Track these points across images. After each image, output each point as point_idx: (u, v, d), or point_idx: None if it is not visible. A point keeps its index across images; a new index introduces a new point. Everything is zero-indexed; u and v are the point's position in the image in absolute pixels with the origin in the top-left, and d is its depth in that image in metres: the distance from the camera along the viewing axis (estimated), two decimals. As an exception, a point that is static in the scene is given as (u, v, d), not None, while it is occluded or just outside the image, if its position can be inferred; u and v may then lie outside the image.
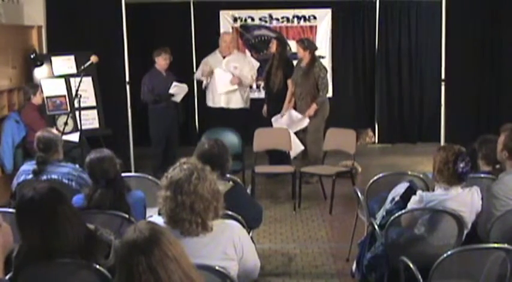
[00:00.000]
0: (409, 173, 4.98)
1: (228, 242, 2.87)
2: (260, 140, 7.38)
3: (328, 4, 10.04)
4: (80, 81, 6.56)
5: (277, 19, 10.07)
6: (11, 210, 3.68)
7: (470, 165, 3.88)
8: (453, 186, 3.87)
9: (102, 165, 3.95)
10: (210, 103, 8.29)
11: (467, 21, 8.37)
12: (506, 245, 3.31)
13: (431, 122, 9.73)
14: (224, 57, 8.18)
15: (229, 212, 3.43)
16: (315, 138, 7.66)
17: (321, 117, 7.72)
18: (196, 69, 8.66)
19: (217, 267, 2.79)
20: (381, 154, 9.68)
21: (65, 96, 7.83)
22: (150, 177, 4.99)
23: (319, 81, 7.62)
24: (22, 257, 2.81)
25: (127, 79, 8.12)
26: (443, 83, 8.38)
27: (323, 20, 10.07)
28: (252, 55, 9.91)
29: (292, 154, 7.68)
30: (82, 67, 6.85)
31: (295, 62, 8.04)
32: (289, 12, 10.04)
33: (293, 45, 8.42)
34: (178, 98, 7.99)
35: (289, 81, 7.90)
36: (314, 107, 7.62)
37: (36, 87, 7.44)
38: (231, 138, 7.30)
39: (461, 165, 3.80)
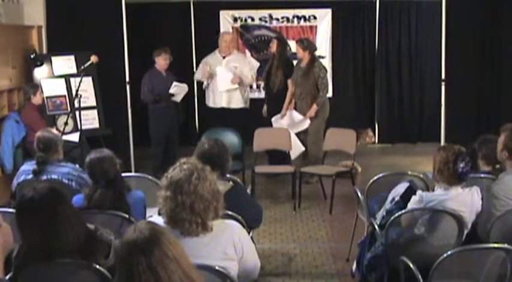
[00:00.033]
0: (409, 173, 4.97)
1: (228, 242, 2.87)
2: (260, 140, 7.38)
3: (328, 4, 10.04)
4: (80, 81, 6.56)
5: (277, 19, 10.07)
6: (11, 210, 3.68)
7: (470, 165, 3.88)
8: (453, 186, 3.87)
9: (102, 165, 3.95)
10: (210, 103, 8.28)
11: (467, 21, 8.37)
12: (506, 245, 3.31)
13: (432, 122, 9.73)
14: (224, 57, 8.18)
15: (229, 212, 3.43)
16: (315, 139, 7.66)
17: (321, 117, 7.72)
18: (196, 69, 8.65)
19: (217, 267, 2.79)
20: (381, 154, 9.68)
21: (65, 96, 7.83)
22: (150, 177, 4.99)
23: (319, 81, 7.62)
24: (22, 257, 2.81)
25: (127, 79, 8.12)
26: (443, 83, 8.38)
27: (323, 20, 10.07)
28: (252, 55, 9.92)
29: (293, 155, 7.69)
30: (82, 67, 6.85)
31: (295, 62, 8.04)
32: (289, 12, 10.04)
33: (293, 45, 8.41)
34: (178, 98, 7.99)
35: (289, 81, 7.90)
36: (315, 108, 7.62)
37: (36, 87, 7.44)
38: (231, 138, 7.29)
39: (461, 165, 3.80)
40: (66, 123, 6.95)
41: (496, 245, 3.44)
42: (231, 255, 2.88)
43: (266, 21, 10.07)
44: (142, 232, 2.12)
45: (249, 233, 3.50)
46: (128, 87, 8.13)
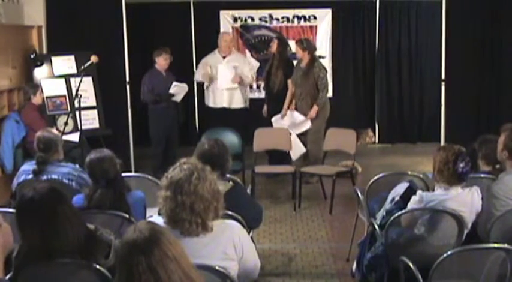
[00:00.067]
0: (409, 173, 4.98)
1: (228, 242, 2.87)
2: (260, 140, 7.38)
3: (328, 4, 10.04)
4: (80, 81, 6.56)
5: (277, 19, 10.07)
6: (11, 210, 3.68)
7: (470, 165, 3.88)
8: (453, 186, 3.87)
9: (102, 165, 3.95)
10: (211, 104, 8.28)
11: (467, 21, 8.37)
12: (506, 245, 3.31)
13: (432, 122, 9.73)
14: (224, 57, 8.19)
15: (229, 212, 3.43)
16: (315, 138, 7.66)
17: (321, 117, 7.72)
18: (196, 69, 8.65)
19: (217, 267, 2.79)
20: (381, 154, 9.68)
21: (65, 96, 7.83)
22: (150, 177, 4.99)
23: (318, 81, 7.62)
24: (22, 257, 2.81)
25: (127, 79, 8.12)
26: (443, 83, 8.39)
27: (323, 20, 10.07)
28: (252, 55, 9.93)
29: (294, 156, 7.70)
30: (82, 67, 6.85)
31: (295, 62, 8.04)
32: (289, 12, 10.04)
33: (293, 46, 8.41)
34: (178, 98, 7.99)
35: (289, 81, 7.90)
36: (315, 108, 7.61)
37: (36, 87, 7.44)
38: (231, 138, 7.29)
39: (462, 165, 3.80)
40: (66, 123, 6.96)
41: (496, 245, 3.44)
42: (231, 255, 2.87)
43: (266, 21, 10.07)
44: (143, 232, 2.12)
45: (249, 233, 3.50)
46: (128, 87, 8.13)
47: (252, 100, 8.71)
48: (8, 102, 7.41)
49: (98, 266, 2.83)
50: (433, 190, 4.05)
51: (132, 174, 5.97)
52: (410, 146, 10.15)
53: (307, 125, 7.69)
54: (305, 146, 7.74)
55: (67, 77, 7.75)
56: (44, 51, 8.13)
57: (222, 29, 9.70)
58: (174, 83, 7.87)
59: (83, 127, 6.68)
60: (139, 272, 2.05)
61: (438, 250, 3.60)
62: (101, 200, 3.87)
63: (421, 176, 4.80)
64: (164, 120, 7.92)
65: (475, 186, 3.97)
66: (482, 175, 4.53)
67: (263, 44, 9.96)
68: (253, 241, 3.37)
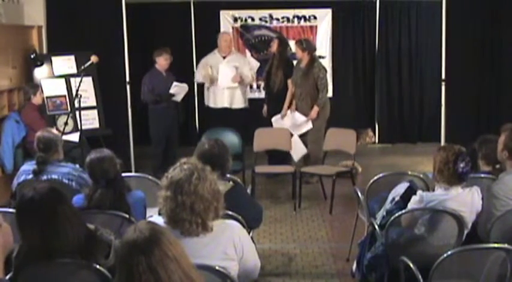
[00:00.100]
0: (409, 173, 4.98)
1: (228, 242, 2.87)
2: (260, 140, 7.38)
3: (329, 4, 10.04)
4: (80, 81, 6.57)
5: (278, 19, 10.07)
6: (11, 210, 3.68)
7: (471, 165, 3.88)
8: (453, 186, 3.87)
9: (102, 165, 3.95)
10: (211, 104, 8.28)
11: (468, 21, 8.37)
12: (506, 245, 3.31)
13: (432, 122, 9.73)
14: (224, 57, 8.19)
15: (230, 212, 3.43)
16: (315, 138, 7.65)
17: (322, 117, 7.72)
18: (196, 69, 8.64)
19: (217, 267, 2.79)
20: (381, 154, 9.68)
21: (65, 96, 7.83)
22: (150, 177, 4.99)
23: (318, 81, 7.62)
24: (22, 257, 2.81)
25: (127, 79, 8.12)
26: (443, 83, 8.39)
27: (323, 20, 10.07)
28: (252, 55, 9.93)
29: (296, 157, 7.71)
30: (82, 67, 6.85)
31: (295, 62, 8.04)
32: (290, 12, 10.04)
33: (293, 46, 8.41)
34: (178, 98, 7.99)
35: (289, 81, 7.90)
36: (316, 109, 7.61)
37: (36, 87, 7.44)
38: (231, 138, 7.29)
39: (462, 165, 3.80)
40: (66, 123, 6.96)
41: (496, 245, 3.44)
42: (231, 255, 2.87)
43: (266, 21, 10.07)
44: (143, 232, 2.12)
45: (249, 233, 3.50)
46: (128, 87, 8.13)
47: (252, 100, 8.70)
48: (8, 102, 7.41)
49: (98, 266, 2.83)
50: (433, 190, 4.05)
51: (132, 174, 5.97)
52: (410, 146, 10.15)
53: (309, 125, 7.69)
54: (305, 146, 7.74)
55: (67, 77, 7.75)
56: (44, 51, 8.13)
57: (222, 29, 9.70)
58: (174, 83, 7.87)
59: (83, 127, 6.69)
60: (139, 272, 2.05)
61: (438, 250, 3.60)
62: (101, 200, 3.87)
63: (421, 176, 4.80)
64: (164, 120, 7.92)
65: (475, 186, 3.97)
66: (482, 175, 4.53)
67: (263, 44, 9.96)
68: (253, 241, 3.37)
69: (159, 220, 2.87)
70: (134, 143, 8.26)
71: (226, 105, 8.15)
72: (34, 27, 8.06)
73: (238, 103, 8.22)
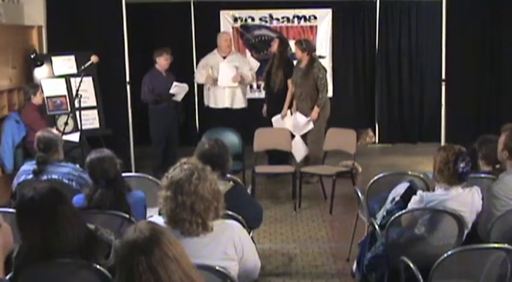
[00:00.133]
0: (410, 173, 4.98)
1: (228, 242, 2.87)
2: (260, 140, 7.38)
3: (329, 4, 10.04)
4: (81, 81, 6.56)
5: (278, 19, 10.07)
6: (11, 210, 3.68)
7: (471, 165, 3.88)
8: (453, 186, 3.87)
9: (102, 165, 3.95)
10: (211, 104, 8.27)
11: (468, 21, 8.37)
12: (506, 245, 3.31)
13: (432, 122, 9.73)
14: (224, 58, 8.19)
15: (230, 212, 3.43)
16: (316, 138, 7.65)
17: (322, 117, 7.72)
18: (196, 68, 8.63)
19: (217, 267, 2.79)
20: (381, 154, 9.68)
21: (65, 96, 7.83)
22: (150, 177, 4.99)
23: (318, 81, 7.61)
24: (22, 257, 2.81)
25: (127, 79, 8.12)
26: (443, 83, 8.39)
27: (323, 20, 10.07)
28: (252, 55, 9.93)
29: (299, 158, 7.71)
30: (82, 67, 6.84)
31: (295, 62, 8.03)
32: (290, 12, 10.04)
33: (293, 46, 8.40)
34: (179, 98, 8.00)
35: (289, 81, 7.89)
36: (316, 110, 7.61)
37: (36, 87, 7.44)
38: (231, 138, 7.29)
39: (462, 165, 3.80)
40: (66, 123, 6.95)
41: (496, 245, 3.44)
42: (231, 255, 2.87)
43: (266, 21, 10.06)
44: (143, 232, 2.12)
45: (249, 233, 3.50)
46: (128, 87, 8.13)
47: (252, 100, 8.70)
48: (8, 102, 7.41)
49: (98, 266, 2.83)
50: (434, 190, 4.05)
51: (133, 174, 5.97)
52: (410, 146, 10.15)
53: (310, 126, 7.69)
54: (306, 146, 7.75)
55: (67, 77, 7.75)
56: (44, 51, 8.13)
57: (222, 29, 9.70)
58: (175, 83, 7.87)
59: (83, 127, 6.68)
60: (139, 272, 2.05)
61: (438, 250, 3.60)
62: (101, 200, 3.87)
63: (422, 176, 4.80)
64: (164, 120, 7.92)
65: (475, 186, 3.97)
66: (482, 175, 4.53)
67: (263, 44, 9.96)
68: (253, 241, 3.37)
69: (159, 220, 2.87)
70: (134, 143, 8.26)
71: (227, 105, 8.15)
72: (34, 27, 8.06)
73: (239, 103, 8.22)
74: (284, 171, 7.39)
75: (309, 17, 10.06)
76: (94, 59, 6.93)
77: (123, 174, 4.18)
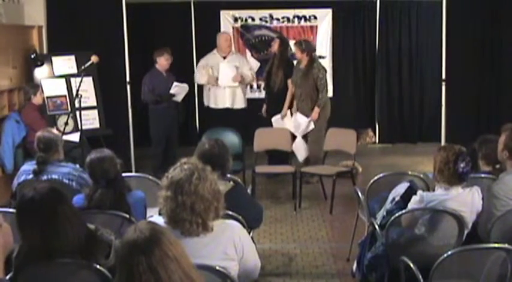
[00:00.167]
0: (410, 173, 4.98)
1: (228, 242, 2.87)
2: (260, 140, 7.38)
3: (329, 4, 10.04)
4: (81, 81, 6.56)
5: (278, 19, 10.06)
6: (11, 210, 3.68)
7: (471, 165, 3.88)
8: (454, 186, 3.87)
9: (102, 165, 3.95)
10: (212, 105, 8.27)
11: (468, 21, 8.37)
12: (506, 245, 3.31)
13: (432, 122, 9.73)
14: (224, 58, 8.19)
15: (230, 212, 3.43)
16: (316, 138, 7.65)
17: (323, 117, 7.72)
18: (196, 68, 8.63)
19: (217, 267, 2.79)
20: (381, 154, 9.68)
21: (65, 96, 7.83)
22: (150, 177, 4.99)
23: (317, 82, 7.61)
24: (22, 257, 2.81)
25: (127, 79, 8.12)
26: (443, 83, 8.39)
27: (323, 20, 10.07)
28: (252, 55, 9.94)
29: (301, 158, 7.71)
30: (82, 67, 6.84)
31: (295, 62, 8.03)
32: (290, 12, 10.04)
33: (293, 46, 8.40)
34: (179, 98, 8.00)
35: (289, 81, 7.90)
36: (317, 110, 7.61)
37: (36, 87, 7.44)
38: (231, 138, 7.29)
39: (462, 165, 3.80)
40: (66, 123, 6.95)
41: (496, 245, 3.44)
42: (232, 255, 2.87)
43: (266, 21, 10.06)
44: (143, 232, 2.12)
45: (249, 233, 3.50)
46: (128, 87, 8.13)
47: (252, 100, 8.70)
48: (8, 102, 7.41)
49: (98, 266, 2.83)
50: (434, 190, 4.05)
51: (133, 174, 5.97)
52: (410, 146, 10.15)
53: (311, 126, 7.69)
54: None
55: (67, 77, 7.76)
56: (45, 51, 8.13)
57: (222, 29, 9.70)
58: (175, 83, 7.87)
59: (84, 127, 6.68)
60: (139, 272, 2.05)
61: (438, 250, 3.60)
62: (101, 200, 3.87)
63: (422, 176, 4.80)
64: (164, 120, 7.92)
65: (475, 186, 3.97)
66: (482, 175, 4.53)
67: (263, 44, 9.96)
68: (253, 241, 3.37)
69: (160, 220, 2.87)
70: (134, 143, 8.26)
71: (228, 105, 8.15)
72: (34, 27, 8.06)
73: (240, 103, 8.23)
74: (284, 171, 7.39)
75: (309, 17, 10.06)
76: (94, 59, 6.93)
77: (123, 174, 4.18)
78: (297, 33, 9.95)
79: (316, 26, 10.08)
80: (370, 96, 10.39)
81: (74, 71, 7.60)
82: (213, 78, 8.10)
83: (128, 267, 2.07)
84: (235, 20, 10.04)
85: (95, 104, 7.95)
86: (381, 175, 5.00)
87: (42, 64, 7.77)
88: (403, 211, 4.00)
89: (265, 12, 10.04)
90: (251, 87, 9.50)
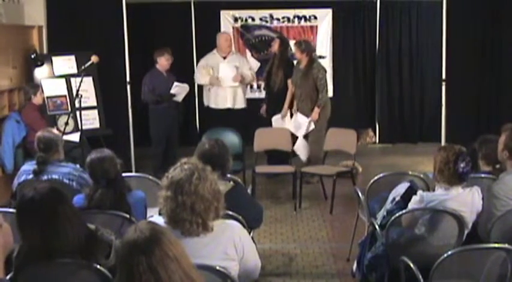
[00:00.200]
0: (410, 173, 4.98)
1: (228, 242, 2.87)
2: (260, 140, 7.38)
3: (329, 4, 10.04)
4: (81, 81, 6.55)
5: (278, 19, 10.06)
6: (11, 210, 3.68)
7: (471, 165, 3.88)
8: (454, 186, 3.87)
9: (102, 165, 3.95)
10: (212, 105, 8.27)
11: (468, 21, 8.38)
12: (506, 245, 3.31)
13: (432, 122, 9.73)
14: (224, 58, 8.19)
15: (230, 212, 3.43)
16: (316, 138, 7.66)
17: (323, 117, 7.72)
18: (196, 69, 8.63)
19: (217, 267, 2.79)
20: (382, 154, 9.68)
21: (65, 96, 7.84)
22: (150, 177, 4.99)
23: (317, 82, 7.62)
24: (22, 257, 2.82)
25: (127, 79, 8.12)
26: (443, 83, 8.39)
27: (324, 20, 10.06)
28: (252, 55, 9.93)
29: (304, 157, 7.71)
30: (83, 67, 6.84)
31: (295, 62, 8.03)
32: (290, 12, 10.03)
33: (292, 47, 8.41)
34: (179, 98, 8.00)
35: (289, 81, 7.90)
36: (317, 110, 7.61)
37: (36, 87, 7.44)
38: (231, 138, 7.30)
39: (462, 165, 3.80)
40: (66, 123, 6.93)
41: (496, 245, 3.44)
42: (232, 255, 2.87)
43: (267, 21, 10.06)
44: (143, 232, 2.12)
45: (249, 233, 3.50)
46: (128, 87, 8.13)
47: (252, 100, 8.70)
48: (8, 102, 7.42)
49: (98, 266, 2.83)
50: (434, 190, 4.05)
51: (133, 174, 5.97)
52: (410, 146, 10.14)
53: (312, 126, 7.69)
54: (305, 144, 7.77)
55: (67, 77, 7.76)
56: (45, 51, 8.13)
57: (222, 29, 9.70)
58: (176, 83, 7.87)
59: (84, 127, 6.68)
60: (139, 272, 2.05)
61: (438, 250, 3.60)
62: (101, 200, 3.87)
63: (422, 176, 4.80)
64: (164, 121, 7.92)
65: (475, 186, 3.97)
66: (482, 175, 4.53)
67: (263, 44, 9.96)
68: (253, 241, 3.37)
69: (160, 220, 2.87)
70: (134, 143, 8.26)
71: (229, 105, 8.15)
72: (34, 27, 8.06)
73: (240, 103, 8.23)
74: (284, 171, 7.38)
75: (309, 17, 10.06)
76: (94, 59, 6.93)
77: (124, 174, 4.19)
78: (297, 33, 9.95)
79: (316, 26, 10.08)
80: (371, 96, 10.39)
81: (74, 71, 7.60)
82: (215, 78, 8.09)
83: (128, 267, 2.07)
84: (236, 20, 10.04)
85: (95, 104, 7.96)
86: (381, 175, 5.00)
87: (42, 64, 7.77)
88: (403, 211, 4.00)
89: (265, 12, 10.04)
90: (251, 87, 9.50)
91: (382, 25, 10.12)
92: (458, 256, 3.33)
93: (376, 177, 4.98)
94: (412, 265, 3.54)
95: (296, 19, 10.05)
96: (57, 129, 6.99)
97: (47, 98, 7.68)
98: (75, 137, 6.99)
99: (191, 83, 8.59)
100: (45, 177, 4.66)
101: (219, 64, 8.13)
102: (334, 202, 6.77)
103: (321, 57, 9.31)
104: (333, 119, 7.92)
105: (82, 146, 6.61)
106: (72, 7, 8.12)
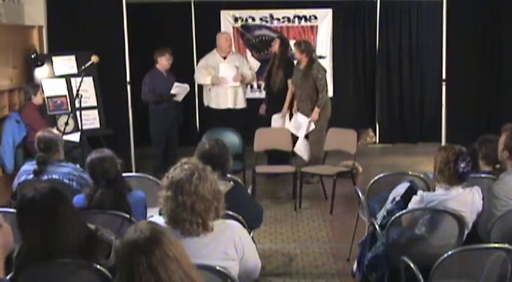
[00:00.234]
0: (410, 173, 4.98)
1: (228, 242, 2.87)
2: (261, 140, 7.38)
3: (329, 4, 10.04)
4: (81, 81, 6.55)
5: (278, 19, 10.06)
6: (11, 210, 3.68)
7: (471, 165, 3.88)
8: (454, 186, 3.87)
9: (102, 165, 3.95)
10: (213, 105, 8.26)
11: (468, 21, 8.38)
12: (506, 245, 3.31)
13: (432, 122, 9.73)
14: (224, 58, 8.18)
15: (230, 212, 3.43)
16: (316, 138, 7.66)
17: (323, 117, 7.72)
18: (196, 70, 8.63)
19: (217, 267, 2.79)
20: (382, 154, 9.68)
21: (65, 96, 7.84)
22: (150, 177, 4.99)
23: (317, 82, 7.61)
24: (22, 257, 2.82)
25: (128, 79, 8.12)
26: (444, 83, 8.39)
27: (324, 20, 10.06)
28: (252, 55, 9.93)
29: (306, 157, 7.71)
30: (83, 67, 6.84)
31: (295, 62, 8.03)
32: (290, 12, 10.03)
33: (292, 47, 8.40)
34: (180, 98, 8.00)
35: (289, 81, 7.90)
36: (317, 110, 7.61)
37: (36, 87, 7.44)
38: (231, 138, 7.30)
39: (462, 165, 3.80)
40: (66, 123, 6.93)
41: (496, 245, 3.44)
42: (232, 255, 2.87)
43: (267, 21, 10.06)
44: (143, 232, 2.12)
45: (249, 233, 3.50)
46: (128, 87, 8.13)
47: (252, 100, 8.69)
48: (8, 102, 7.42)
49: (98, 266, 2.83)
50: (434, 190, 4.05)
51: (133, 174, 5.97)
52: (411, 146, 10.14)
53: (312, 126, 7.69)
54: (306, 144, 7.77)
55: (68, 77, 7.76)
56: (45, 51, 8.13)
57: (222, 29, 9.70)
58: (176, 84, 7.86)
59: (84, 127, 6.68)
60: (139, 272, 2.05)
61: (439, 250, 3.60)
62: (101, 200, 3.87)
63: (422, 176, 4.80)
64: (164, 121, 7.92)
65: (475, 186, 3.97)
66: (482, 175, 4.53)
67: (264, 44, 9.96)
68: (253, 241, 3.37)
69: (160, 220, 2.87)
70: (135, 143, 8.26)
71: (230, 105, 8.15)
72: (35, 27, 8.06)
73: (241, 103, 8.23)
74: (284, 171, 7.38)
75: (310, 17, 10.06)
76: (94, 59, 6.92)
77: (124, 174, 4.19)
78: (297, 33, 9.95)
79: (317, 26, 10.08)
80: (371, 96, 10.39)
81: (74, 71, 7.60)
82: (216, 77, 8.09)
83: (128, 267, 2.07)
84: (236, 20, 10.03)
85: (95, 104, 7.96)
86: (381, 175, 5.00)
87: (42, 64, 7.77)
88: (404, 211, 4.00)
89: (265, 12, 10.03)
90: (251, 87, 9.50)
91: (382, 25, 10.12)
92: (458, 256, 3.33)
93: (376, 177, 4.98)
94: (412, 265, 3.54)
95: (296, 19, 10.05)
96: (57, 129, 7.00)
97: (47, 98, 7.68)
98: (75, 137, 6.99)
99: (191, 83, 8.58)
100: (45, 177, 4.67)
101: (219, 64, 8.13)
102: (334, 202, 6.77)
103: (321, 57, 9.31)
104: (333, 119, 7.91)
105: (82, 146, 6.61)
106: (72, 7, 8.12)
